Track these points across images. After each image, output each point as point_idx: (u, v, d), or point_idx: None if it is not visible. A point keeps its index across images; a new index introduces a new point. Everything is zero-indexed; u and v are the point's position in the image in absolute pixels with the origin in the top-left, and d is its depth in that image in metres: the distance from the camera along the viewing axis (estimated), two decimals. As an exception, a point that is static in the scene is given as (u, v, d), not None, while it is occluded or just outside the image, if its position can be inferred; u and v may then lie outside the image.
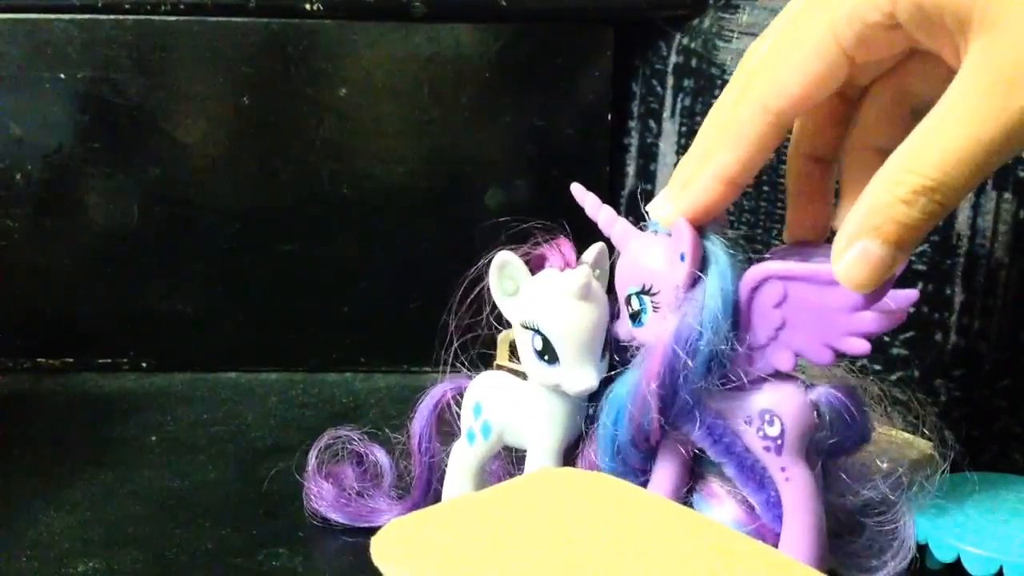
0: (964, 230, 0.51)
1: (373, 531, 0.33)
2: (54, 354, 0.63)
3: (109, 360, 0.63)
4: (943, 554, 0.40)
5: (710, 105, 0.40)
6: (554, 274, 0.41)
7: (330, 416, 0.58)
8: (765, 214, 0.56)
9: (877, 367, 0.50)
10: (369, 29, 0.60)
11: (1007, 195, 0.50)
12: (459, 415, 0.45)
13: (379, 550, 0.32)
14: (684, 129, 0.60)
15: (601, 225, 0.40)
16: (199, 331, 0.63)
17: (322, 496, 0.46)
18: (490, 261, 0.41)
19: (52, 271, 0.62)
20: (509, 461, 0.45)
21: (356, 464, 0.48)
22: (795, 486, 0.38)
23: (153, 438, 0.55)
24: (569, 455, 0.42)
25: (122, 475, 0.51)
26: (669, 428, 0.39)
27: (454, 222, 0.63)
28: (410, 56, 0.60)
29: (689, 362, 0.37)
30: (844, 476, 0.39)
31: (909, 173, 0.32)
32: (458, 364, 0.56)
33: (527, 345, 0.41)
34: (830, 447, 0.39)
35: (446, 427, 0.46)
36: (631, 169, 0.63)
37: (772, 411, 0.37)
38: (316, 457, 0.47)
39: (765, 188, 0.56)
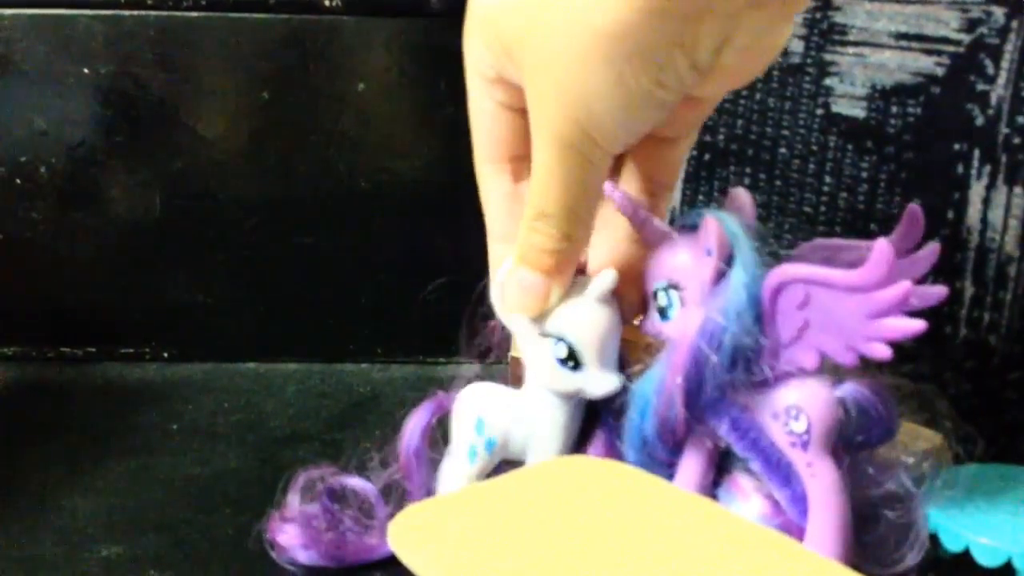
0: (975, 224, 0.51)
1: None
2: (77, 344, 0.64)
3: (131, 350, 0.64)
4: (952, 544, 0.41)
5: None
6: (576, 279, 0.40)
7: (348, 406, 0.59)
8: (777, 208, 0.57)
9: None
10: (387, 24, 0.60)
11: (1017, 189, 0.50)
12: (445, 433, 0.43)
13: (397, 536, 0.33)
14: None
15: (632, 222, 0.41)
16: (219, 322, 0.64)
17: (291, 541, 0.42)
18: None
19: (76, 263, 0.63)
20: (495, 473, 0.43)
21: (329, 500, 0.44)
22: (821, 481, 0.38)
23: (174, 426, 0.56)
24: None
25: (144, 462, 0.52)
26: (695, 422, 0.39)
27: (471, 215, 0.63)
28: (427, 51, 0.61)
29: (714, 356, 0.37)
30: (868, 469, 0.39)
31: (529, 211, 0.38)
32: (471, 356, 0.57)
33: (545, 354, 0.40)
34: (856, 442, 0.39)
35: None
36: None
37: (798, 407, 0.37)
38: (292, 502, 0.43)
39: (777, 182, 0.57)
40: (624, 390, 0.40)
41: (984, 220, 0.51)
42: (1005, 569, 0.40)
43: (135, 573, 0.43)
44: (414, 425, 0.43)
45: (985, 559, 0.40)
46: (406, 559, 0.32)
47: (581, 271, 0.41)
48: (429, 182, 0.62)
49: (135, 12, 0.59)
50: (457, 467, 0.43)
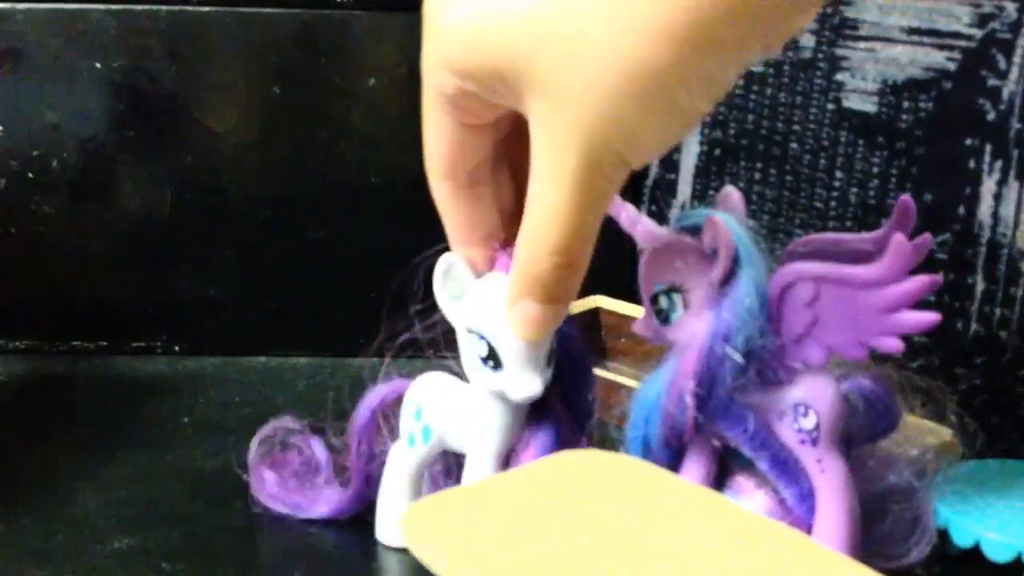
0: (986, 219, 0.51)
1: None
2: (89, 338, 0.64)
3: (143, 344, 0.64)
4: (962, 539, 0.41)
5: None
6: (500, 278, 0.40)
7: (358, 400, 0.59)
8: (788, 203, 0.57)
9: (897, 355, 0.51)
10: (398, 19, 0.60)
11: (1029, 185, 0.50)
12: (398, 416, 0.44)
13: (408, 529, 0.33)
14: (707, 117, 0.60)
15: (623, 223, 0.40)
16: (230, 316, 0.64)
17: (263, 486, 0.46)
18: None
19: (87, 257, 0.63)
20: (449, 465, 0.44)
21: (298, 454, 0.48)
22: (831, 476, 0.38)
23: (186, 419, 0.56)
24: (507, 460, 0.41)
25: (156, 455, 0.52)
26: (704, 425, 0.38)
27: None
28: (438, 46, 0.61)
29: (726, 358, 0.37)
30: (870, 463, 0.39)
31: (528, 243, 0.36)
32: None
33: (471, 351, 0.40)
34: (860, 435, 0.39)
35: (388, 425, 0.45)
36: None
37: (806, 403, 0.37)
38: (259, 447, 0.48)
39: (788, 178, 0.57)
40: (577, 394, 0.40)
41: (995, 215, 0.51)
42: (1015, 564, 0.40)
43: (146, 565, 0.43)
44: (365, 405, 0.45)
45: (995, 554, 0.40)
46: (418, 551, 0.32)
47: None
48: (439, 177, 0.62)
49: (147, 7, 0.59)
50: (399, 451, 0.44)
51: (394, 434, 0.45)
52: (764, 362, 0.37)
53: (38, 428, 0.55)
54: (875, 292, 0.35)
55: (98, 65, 0.60)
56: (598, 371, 0.56)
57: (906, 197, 0.38)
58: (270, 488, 0.46)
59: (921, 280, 0.35)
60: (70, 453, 0.52)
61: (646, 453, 0.40)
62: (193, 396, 0.59)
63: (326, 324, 0.64)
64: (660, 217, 0.62)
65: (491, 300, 0.39)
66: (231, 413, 0.57)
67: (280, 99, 0.61)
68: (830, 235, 0.40)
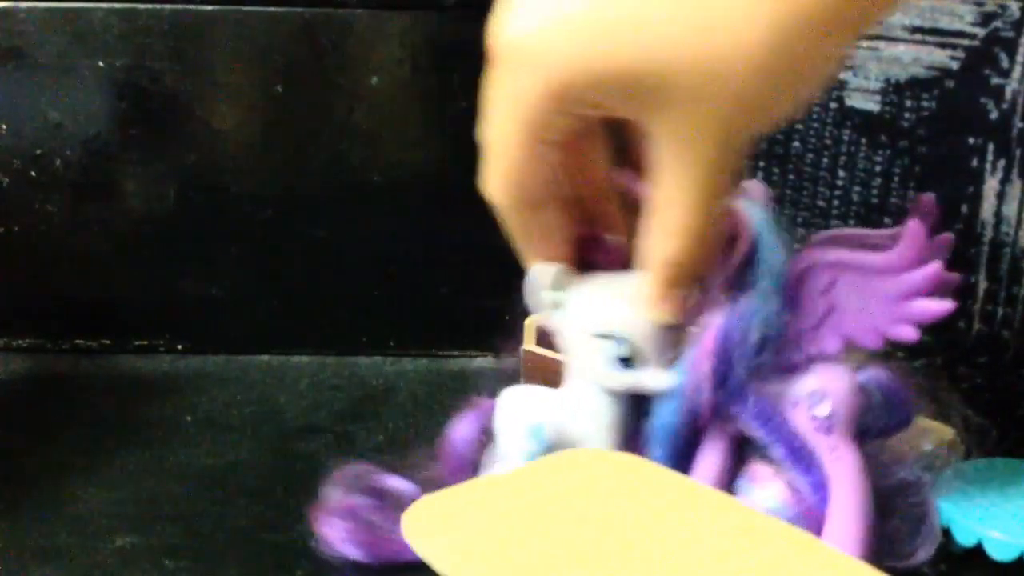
0: (988, 218, 0.51)
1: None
2: (92, 336, 0.64)
3: (145, 342, 0.64)
4: (965, 538, 0.41)
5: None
6: (615, 277, 0.40)
7: (361, 398, 0.59)
8: (790, 202, 0.57)
9: (900, 354, 0.51)
10: (400, 18, 0.60)
11: (1032, 184, 0.50)
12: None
13: (410, 526, 0.33)
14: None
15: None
16: (233, 315, 0.64)
17: (337, 534, 0.42)
18: None
19: (90, 255, 0.63)
20: None
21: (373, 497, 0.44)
22: (844, 466, 0.38)
23: (188, 418, 0.56)
24: None
25: (158, 453, 0.52)
26: (721, 407, 0.38)
27: (483, 209, 0.63)
28: (441, 44, 0.61)
29: (742, 341, 0.37)
30: (882, 457, 0.39)
31: (661, 237, 0.37)
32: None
33: (600, 354, 0.40)
34: (874, 428, 0.39)
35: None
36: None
37: (822, 391, 0.37)
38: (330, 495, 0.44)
39: (791, 176, 0.56)
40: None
41: (998, 214, 0.51)
42: (1017, 563, 0.40)
43: (149, 563, 0.43)
44: (462, 436, 0.43)
45: (998, 553, 0.40)
46: (420, 549, 0.32)
47: (619, 263, 0.41)
48: (442, 175, 0.62)
49: (150, 5, 0.59)
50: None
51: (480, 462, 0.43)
52: (780, 348, 0.37)
53: (40, 427, 0.55)
54: (889, 279, 0.35)
55: (101, 64, 0.60)
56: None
57: (927, 195, 0.38)
58: (345, 535, 0.42)
59: (934, 268, 0.35)
60: (73, 451, 0.52)
61: (666, 438, 0.39)
62: (196, 394, 0.59)
63: (329, 322, 0.64)
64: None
65: (626, 301, 0.39)
66: (234, 412, 0.57)
67: (283, 98, 0.61)
68: (852, 230, 0.40)
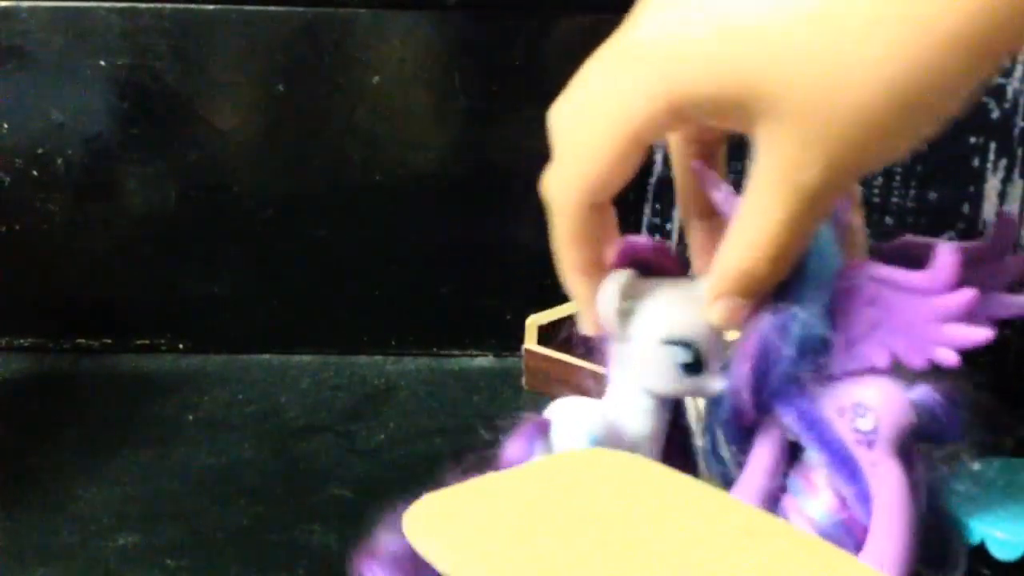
0: (990, 217, 0.51)
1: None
2: (93, 336, 0.64)
3: (147, 342, 0.64)
4: (968, 537, 0.41)
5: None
6: (679, 283, 0.39)
7: (362, 397, 0.59)
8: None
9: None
10: (402, 17, 0.60)
11: (1034, 183, 0.50)
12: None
13: (411, 525, 0.33)
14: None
15: (716, 201, 0.39)
16: (234, 314, 0.64)
17: None
18: None
19: (91, 254, 0.63)
20: None
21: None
22: (886, 483, 0.37)
23: (190, 417, 0.56)
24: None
25: (160, 453, 0.52)
26: (763, 410, 0.38)
27: (484, 208, 0.63)
28: (442, 45, 0.61)
29: (783, 346, 0.36)
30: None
31: (744, 248, 0.35)
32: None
33: (666, 361, 0.39)
34: (921, 442, 0.38)
35: None
36: (659, 156, 0.63)
37: (866, 404, 0.36)
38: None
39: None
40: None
41: (999, 214, 0.51)
42: (1020, 563, 0.40)
43: (151, 562, 0.43)
44: (519, 456, 0.41)
45: (1001, 552, 0.40)
46: (421, 548, 0.32)
47: (674, 265, 0.40)
48: (444, 175, 0.62)
49: (151, 4, 0.59)
50: None
51: None
52: (828, 357, 0.37)
53: (42, 426, 0.55)
54: (925, 300, 0.34)
55: (102, 63, 0.60)
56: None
57: (1007, 211, 0.37)
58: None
59: (964, 294, 0.34)
60: (74, 451, 0.52)
61: (715, 432, 0.39)
62: (197, 394, 0.59)
63: (330, 322, 0.64)
64: (663, 214, 0.62)
65: (696, 306, 0.38)
66: (235, 411, 0.57)
67: (284, 97, 0.61)
68: (922, 239, 0.39)
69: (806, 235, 0.35)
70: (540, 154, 0.68)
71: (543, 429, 0.41)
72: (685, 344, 0.39)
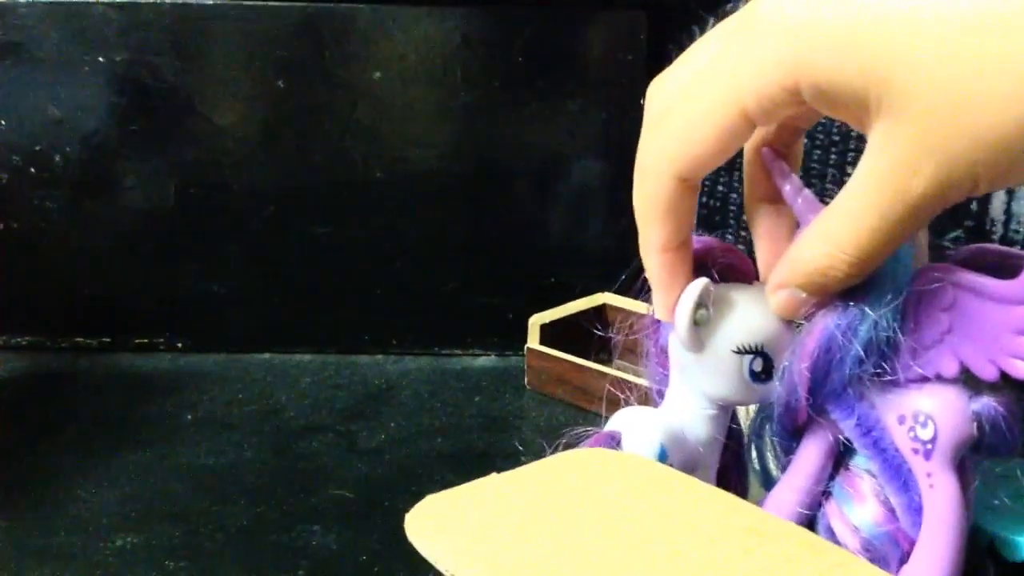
0: (998, 215, 0.50)
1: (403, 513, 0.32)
2: (92, 334, 0.64)
3: (146, 340, 0.64)
4: (976, 539, 0.40)
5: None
6: (754, 288, 0.39)
7: (362, 397, 0.59)
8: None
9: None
10: (403, 13, 0.60)
11: (1043, 180, 0.49)
12: None
13: (413, 526, 0.32)
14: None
15: (785, 195, 0.39)
16: (234, 312, 0.64)
17: None
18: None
19: (90, 252, 0.63)
20: None
21: None
22: (939, 495, 0.36)
23: (189, 417, 0.56)
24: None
25: (159, 452, 0.52)
26: (816, 411, 0.37)
27: (486, 206, 0.63)
28: (443, 40, 0.60)
29: (848, 346, 0.35)
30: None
31: (828, 244, 0.34)
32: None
33: (737, 369, 0.38)
34: (977, 456, 0.37)
35: None
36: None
37: (928, 414, 0.35)
38: None
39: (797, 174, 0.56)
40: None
41: (1008, 211, 0.51)
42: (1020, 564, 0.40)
43: (150, 563, 0.43)
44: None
45: (1010, 553, 0.40)
46: (422, 549, 0.32)
47: (748, 270, 0.40)
48: (445, 171, 0.62)
49: (150, 0, 0.59)
50: None
51: None
52: (889, 360, 0.36)
53: (40, 425, 0.55)
54: (1006, 309, 0.34)
55: (101, 59, 0.60)
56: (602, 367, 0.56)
57: None
58: None
59: None
60: (72, 450, 0.52)
61: (763, 430, 0.39)
62: (196, 393, 0.59)
63: (330, 320, 0.64)
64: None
65: (769, 314, 0.38)
66: (235, 410, 0.57)
67: (284, 93, 0.61)
68: (997, 247, 0.38)
69: (897, 245, 0.33)
70: (542, 151, 0.68)
71: (615, 441, 0.40)
72: (759, 352, 0.38)
